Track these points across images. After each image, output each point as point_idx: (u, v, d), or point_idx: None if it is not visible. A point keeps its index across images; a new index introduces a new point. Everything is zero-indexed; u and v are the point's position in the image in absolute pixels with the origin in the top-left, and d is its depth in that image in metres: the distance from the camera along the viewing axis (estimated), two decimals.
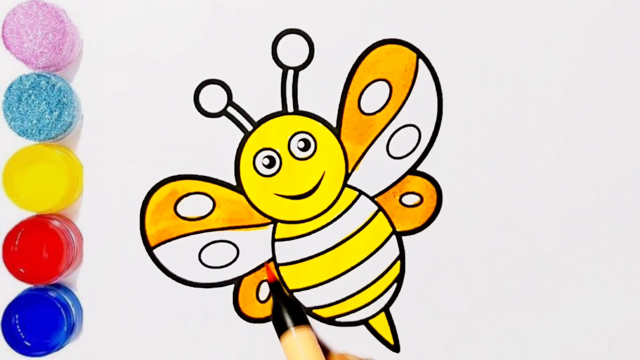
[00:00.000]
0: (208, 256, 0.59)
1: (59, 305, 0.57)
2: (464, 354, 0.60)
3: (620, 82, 0.60)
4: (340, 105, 0.59)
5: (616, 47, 0.60)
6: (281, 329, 0.57)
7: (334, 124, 0.59)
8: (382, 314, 0.60)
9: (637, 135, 0.60)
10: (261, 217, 0.59)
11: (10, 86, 0.56)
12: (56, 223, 0.57)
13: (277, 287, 0.59)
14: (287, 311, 0.58)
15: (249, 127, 0.59)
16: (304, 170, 0.59)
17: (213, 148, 0.59)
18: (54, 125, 0.57)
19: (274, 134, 0.59)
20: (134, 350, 0.59)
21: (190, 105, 0.59)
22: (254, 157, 0.59)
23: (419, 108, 0.59)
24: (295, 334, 0.57)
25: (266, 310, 0.59)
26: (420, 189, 0.60)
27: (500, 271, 0.60)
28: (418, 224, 0.60)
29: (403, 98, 0.59)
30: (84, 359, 0.59)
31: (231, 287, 0.59)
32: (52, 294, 0.57)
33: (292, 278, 0.59)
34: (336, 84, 0.59)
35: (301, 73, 0.59)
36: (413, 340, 0.60)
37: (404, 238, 0.60)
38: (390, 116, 0.59)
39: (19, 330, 0.57)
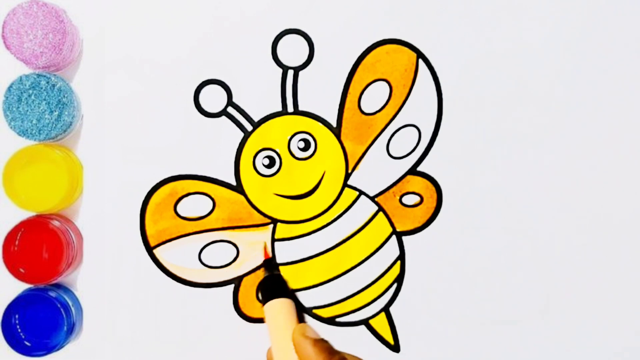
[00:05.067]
0: (208, 256, 0.59)
1: (59, 305, 0.57)
2: (464, 354, 0.60)
3: (620, 82, 0.60)
4: (340, 105, 0.59)
5: (616, 46, 0.60)
6: (266, 299, 0.58)
7: (334, 124, 0.59)
8: (382, 314, 0.60)
9: (636, 135, 0.60)
10: (261, 217, 0.59)
11: (10, 86, 0.56)
12: (56, 223, 0.57)
13: (269, 264, 0.59)
14: (273, 285, 0.58)
15: (249, 127, 0.59)
16: (304, 170, 0.59)
17: (213, 148, 0.59)
18: (54, 125, 0.57)
19: (274, 134, 0.59)
20: (134, 350, 0.59)
21: (190, 105, 0.59)
22: (254, 157, 0.59)
23: (419, 108, 0.59)
24: (273, 303, 0.57)
25: None
26: (420, 189, 0.60)
27: (500, 271, 0.60)
28: (418, 224, 0.60)
29: (403, 98, 0.59)
30: (84, 359, 0.59)
31: (231, 287, 0.59)
32: (52, 294, 0.57)
33: (292, 278, 0.59)
34: (336, 84, 0.59)
35: (301, 73, 0.59)
36: (413, 340, 0.60)
37: (404, 238, 0.60)
38: (390, 116, 0.59)
39: (19, 330, 0.57)
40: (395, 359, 0.60)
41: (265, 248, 0.59)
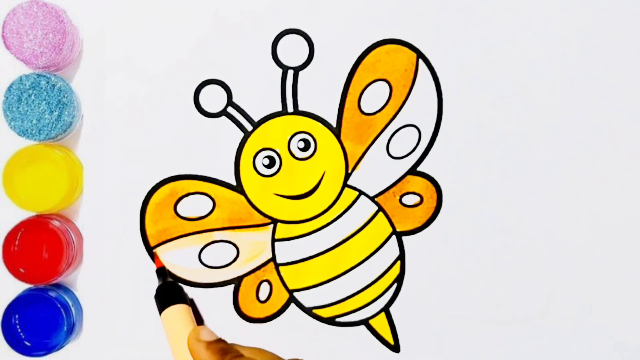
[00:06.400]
0: (208, 256, 0.59)
1: (59, 305, 0.56)
2: (464, 354, 0.60)
3: (620, 82, 0.60)
4: (340, 105, 0.59)
5: (617, 46, 0.60)
6: (162, 308, 0.57)
7: (334, 124, 0.59)
8: (382, 314, 0.60)
9: (636, 135, 0.60)
10: (261, 217, 0.59)
11: (10, 86, 0.56)
12: (56, 223, 0.57)
13: (162, 272, 0.59)
14: (167, 293, 0.57)
15: (249, 127, 0.59)
16: (304, 170, 0.59)
17: (213, 148, 0.59)
18: (54, 125, 0.57)
19: (274, 134, 0.59)
20: (134, 350, 0.59)
21: (190, 105, 0.59)
22: (254, 157, 0.59)
23: (419, 108, 0.59)
24: (169, 311, 0.56)
25: (266, 310, 0.59)
26: (420, 189, 0.60)
27: (500, 271, 0.60)
28: (418, 224, 0.60)
29: (403, 98, 0.59)
30: (84, 359, 0.59)
31: (231, 287, 0.59)
32: (52, 294, 0.57)
33: (292, 278, 0.59)
34: (336, 84, 0.59)
35: (301, 73, 0.59)
36: (413, 340, 0.60)
37: (404, 238, 0.60)
38: (390, 116, 0.59)
39: (19, 330, 0.57)
40: (395, 359, 0.60)
41: (156, 257, 0.59)
